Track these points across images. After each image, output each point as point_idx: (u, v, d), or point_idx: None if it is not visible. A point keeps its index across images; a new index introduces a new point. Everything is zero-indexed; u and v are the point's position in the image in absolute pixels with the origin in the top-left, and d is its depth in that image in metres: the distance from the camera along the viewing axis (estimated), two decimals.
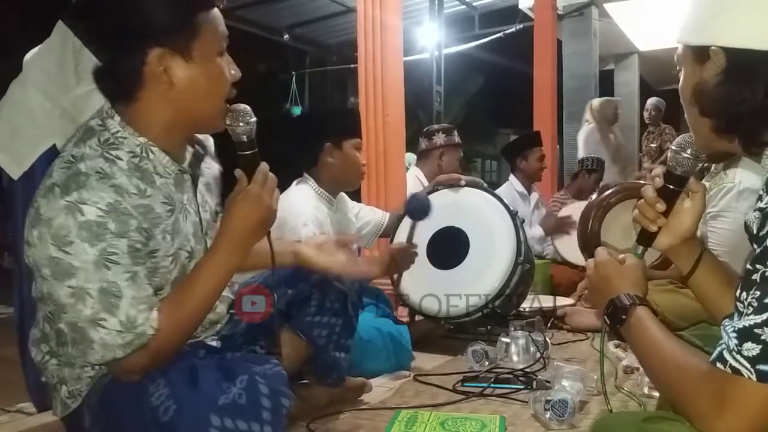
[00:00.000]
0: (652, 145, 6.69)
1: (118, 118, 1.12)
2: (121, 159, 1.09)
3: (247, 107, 1.18)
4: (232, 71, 1.18)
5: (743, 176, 2.16)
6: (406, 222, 2.22)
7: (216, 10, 1.14)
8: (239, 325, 1.43)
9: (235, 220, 1.14)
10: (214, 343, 1.36)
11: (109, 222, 1.02)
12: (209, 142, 1.35)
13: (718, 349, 0.79)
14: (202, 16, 1.11)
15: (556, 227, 3.69)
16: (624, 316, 0.98)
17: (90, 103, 1.73)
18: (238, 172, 1.16)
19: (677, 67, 1.01)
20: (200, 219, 1.25)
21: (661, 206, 1.07)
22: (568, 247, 3.66)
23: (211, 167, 1.34)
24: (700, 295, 1.12)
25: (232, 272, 1.18)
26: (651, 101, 6.69)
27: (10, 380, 2.57)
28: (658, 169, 1.12)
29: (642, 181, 3.56)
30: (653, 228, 1.08)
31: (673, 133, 6.67)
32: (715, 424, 0.78)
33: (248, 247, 1.18)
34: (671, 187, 1.07)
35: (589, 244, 2.70)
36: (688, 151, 1.05)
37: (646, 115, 6.74)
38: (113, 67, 1.11)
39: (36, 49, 1.93)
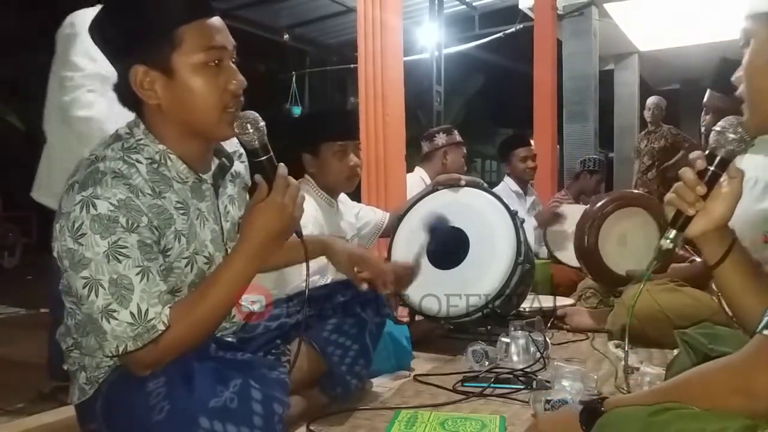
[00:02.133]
0: (654, 145, 6.64)
1: (142, 126, 1.17)
2: (141, 162, 1.14)
3: (254, 114, 1.17)
4: (234, 81, 1.17)
5: (747, 165, 2.14)
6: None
7: (207, 22, 1.14)
8: (257, 328, 1.47)
9: (255, 230, 1.14)
10: (230, 339, 1.38)
11: (120, 216, 1.06)
12: (240, 152, 1.38)
13: (766, 319, 0.81)
14: (183, 29, 1.12)
15: (548, 219, 3.68)
16: (601, 408, 0.96)
17: None
18: (258, 178, 1.16)
19: (741, 43, 0.99)
20: (221, 227, 1.28)
21: (702, 189, 1.03)
22: (562, 250, 3.67)
23: (238, 180, 1.37)
24: (722, 285, 1.09)
25: (249, 280, 1.19)
26: (652, 100, 6.58)
27: (9, 380, 2.58)
28: (698, 152, 1.07)
29: (635, 191, 3.58)
30: (691, 212, 1.04)
31: (678, 132, 6.63)
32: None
33: (267, 257, 1.18)
34: (712, 169, 1.03)
35: (586, 255, 2.71)
36: (735, 132, 1.01)
37: (647, 114, 6.66)
38: (116, 84, 1.18)
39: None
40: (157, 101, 1.14)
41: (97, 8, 2.00)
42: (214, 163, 1.28)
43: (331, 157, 2.16)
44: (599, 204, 2.74)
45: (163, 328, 1.09)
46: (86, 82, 1.90)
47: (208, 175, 1.26)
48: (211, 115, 1.16)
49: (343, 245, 1.59)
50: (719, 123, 1.05)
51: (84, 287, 1.06)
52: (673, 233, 1.08)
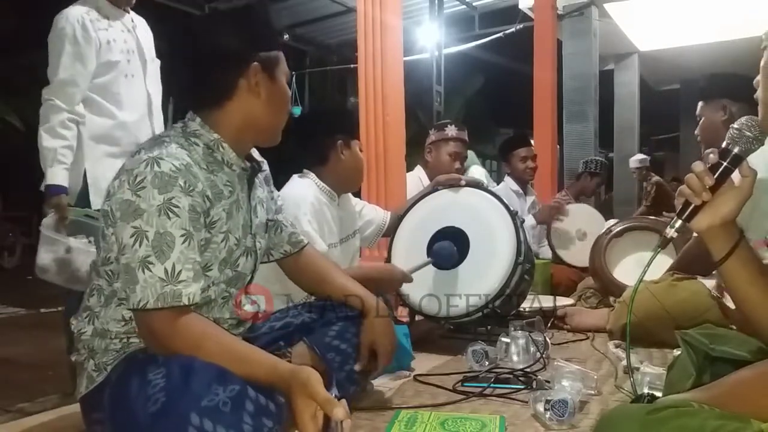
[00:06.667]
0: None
1: (198, 119, 1.30)
2: (198, 145, 1.28)
3: None
4: None
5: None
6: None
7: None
8: (262, 328, 1.51)
9: (291, 385, 1.06)
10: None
11: (179, 178, 1.16)
12: (265, 166, 1.51)
13: None
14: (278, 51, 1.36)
15: (548, 215, 3.67)
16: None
17: None
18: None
19: (762, 45, 1.00)
20: (250, 219, 1.38)
21: (710, 180, 1.04)
22: (566, 249, 3.67)
23: (265, 187, 1.51)
24: (728, 280, 1.09)
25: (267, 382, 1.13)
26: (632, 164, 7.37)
27: (10, 380, 2.58)
28: (712, 149, 1.09)
29: (651, 217, 3.69)
30: (697, 200, 1.05)
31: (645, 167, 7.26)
32: None
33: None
34: (724, 163, 1.04)
35: (597, 272, 2.95)
36: (752, 131, 1.03)
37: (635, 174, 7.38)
38: (210, 81, 1.30)
39: None
40: (255, 97, 1.31)
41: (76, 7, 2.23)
42: (248, 165, 1.39)
43: (358, 152, 2.23)
44: (614, 226, 3.08)
45: (187, 302, 1.13)
46: (46, 95, 2.19)
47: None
48: (281, 119, 1.38)
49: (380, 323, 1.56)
50: (738, 121, 1.05)
51: (131, 236, 1.12)
52: (678, 223, 1.09)
